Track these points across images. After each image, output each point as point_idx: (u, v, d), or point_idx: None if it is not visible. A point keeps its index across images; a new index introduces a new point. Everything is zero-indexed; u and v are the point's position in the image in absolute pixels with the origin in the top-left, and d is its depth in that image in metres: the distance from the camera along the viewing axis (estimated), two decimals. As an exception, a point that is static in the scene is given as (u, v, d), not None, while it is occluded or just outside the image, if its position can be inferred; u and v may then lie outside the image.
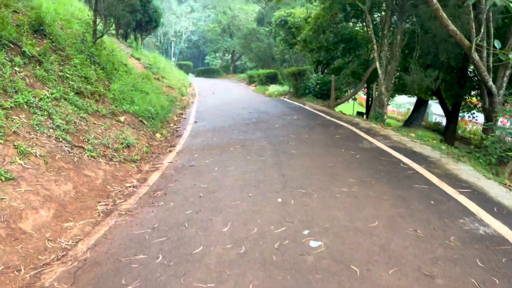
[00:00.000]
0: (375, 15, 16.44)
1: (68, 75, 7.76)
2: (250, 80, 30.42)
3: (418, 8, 12.44)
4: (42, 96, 6.23)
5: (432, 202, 4.56)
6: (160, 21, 24.93)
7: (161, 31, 59.79)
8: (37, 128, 5.47)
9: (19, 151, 4.75)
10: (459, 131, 22.08)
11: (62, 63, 8.15)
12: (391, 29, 13.54)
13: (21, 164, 4.61)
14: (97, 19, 10.71)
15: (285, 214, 4.37)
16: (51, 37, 8.46)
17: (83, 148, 6.05)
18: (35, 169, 4.71)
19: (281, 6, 27.05)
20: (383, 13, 15.66)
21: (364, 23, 15.96)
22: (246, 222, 4.19)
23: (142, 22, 22.37)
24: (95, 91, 8.40)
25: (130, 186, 5.65)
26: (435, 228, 3.89)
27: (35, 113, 5.74)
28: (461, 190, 4.94)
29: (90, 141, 6.40)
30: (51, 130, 5.72)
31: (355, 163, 6.34)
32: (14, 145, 4.78)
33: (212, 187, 5.47)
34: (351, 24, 18.74)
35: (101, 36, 10.80)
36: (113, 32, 22.57)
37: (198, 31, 63.51)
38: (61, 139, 5.74)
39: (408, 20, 13.16)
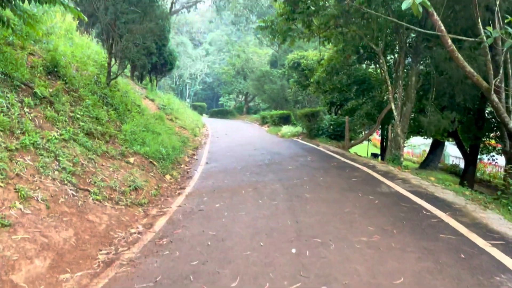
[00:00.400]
0: (389, 57, 16.45)
1: (79, 116, 7.70)
2: (263, 121, 30.49)
3: (432, 49, 12.37)
4: (50, 137, 6.11)
5: (462, 255, 4.14)
6: (175, 63, 25.46)
7: (176, 74, 61.43)
8: (42, 171, 5.28)
9: (20, 195, 4.54)
10: (478, 174, 21.40)
11: (74, 104, 8.13)
12: (405, 70, 13.43)
13: (20, 209, 4.38)
14: (112, 61, 10.84)
15: (300, 267, 3.99)
16: (65, 79, 8.50)
17: (88, 191, 5.82)
18: (35, 215, 4.47)
19: (294, 49, 27.53)
20: (396, 55, 15.67)
21: (378, 65, 15.95)
22: (257, 276, 3.82)
23: (157, 65, 22.85)
24: (106, 132, 8.30)
25: (135, 232, 5.34)
26: (468, 287, 3.47)
27: (41, 155, 5.59)
28: (493, 242, 4.50)
29: (96, 184, 6.18)
30: (56, 173, 5.53)
31: (374, 209, 5.95)
32: (15, 189, 4.57)
33: (221, 234, 5.13)
34: (364, 66, 18.79)
35: (115, 78, 10.88)
36: (129, 74, 23.09)
37: (212, 73, 65.02)
38: (66, 182, 5.53)
39: (422, 62, 13.05)
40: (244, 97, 49.92)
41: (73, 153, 6.42)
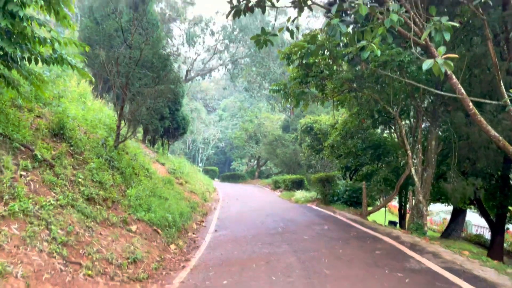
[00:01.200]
0: (403, 122, 16.08)
1: (80, 180, 7.24)
2: (275, 186, 29.81)
3: (451, 113, 11.96)
4: (44, 203, 5.60)
5: None
6: (187, 128, 25.56)
7: (190, 138, 62.24)
8: (28, 241, 4.71)
9: (-3, 271, 3.93)
10: (505, 244, 19.97)
11: (77, 167, 7.72)
12: (424, 133, 12.98)
13: (-7, 289, 3.75)
14: (122, 124, 10.62)
15: None
16: (70, 141, 8.19)
17: (80, 264, 5.17)
18: (10, 295, 3.82)
19: (307, 114, 27.61)
20: (412, 120, 15.31)
21: (394, 129, 15.56)
22: None
23: (170, 129, 22.89)
24: (109, 197, 7.78)
25: (128, 316, 4.60)
26: None
27: (30, 223, 5.04)
28: None
29: (90, 256, 5.53)
30: (45, 243, 4.94)
31: (405, 290, 5.13)
32: (-8, 264, 3.98)
33: (228, 321, 4.35)
34: (379, 130, 18.44)
35: (124, 141, 10.58)
36: (141, 137, 23.13)
37: (225, 138, 65.67)
38: (55, 254, 4.91)
39: (442, 126, 12.58)
40: (256, 161, 49.73)
41: (69, 221, 5.86)
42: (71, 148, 8.10)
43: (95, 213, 6.85)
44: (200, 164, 60.67)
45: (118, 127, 10.54)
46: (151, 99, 10.64)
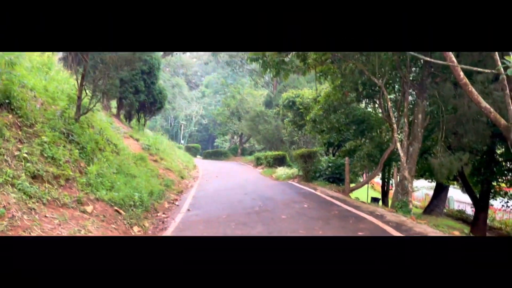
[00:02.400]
0: (390, 96, 15.42)
1: (26, 155, 6.33)
2: (258, 162, 29.18)
3: (439, 85, 11.30)
4: (-31, 182, 4.72)
5: None
6: (165, 102, 24.44)
7: (171, 115, 60.91)
8: None
9: None
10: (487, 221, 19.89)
11: (24, 141, 6.79)
12: (410, 106, 12.32)
13: None
14: (84, 94, 9.63)
15: None
16: (18, 112, 7.21)
17: (10, 254, 4.35)
18: None
19: (290, 89, 26.76)
20: (398, 93, 14.65)
21: (378, 103, 14.88)
22: None
23: (145, 103, 21.78)
24: (61, 175, 6.90)
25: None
26: None
27: None
28: None
29: (26, 243, 4.71)
30: (-38, 230, 4.10)
31: (392, 279, 4.47)
32: None
33: (182, 321, 3.62)
34: (363, 105, 17.78)
35: (85, 113, 9.61)
36: (115, 112, 22.00)
37: (208, 115, 64.54)
38: (-25, 243, 4.08)
39: (429, 99, 11.91)
40: (238, 138, 48.94)
41: (3, 202, 5.00)
42: (19, 120, 7.13)
43: (41, 192, 5.98)
44: (182, 141, 59.69)
45: (79, 97, 9.54)
46: (115, 67, 9.61)
